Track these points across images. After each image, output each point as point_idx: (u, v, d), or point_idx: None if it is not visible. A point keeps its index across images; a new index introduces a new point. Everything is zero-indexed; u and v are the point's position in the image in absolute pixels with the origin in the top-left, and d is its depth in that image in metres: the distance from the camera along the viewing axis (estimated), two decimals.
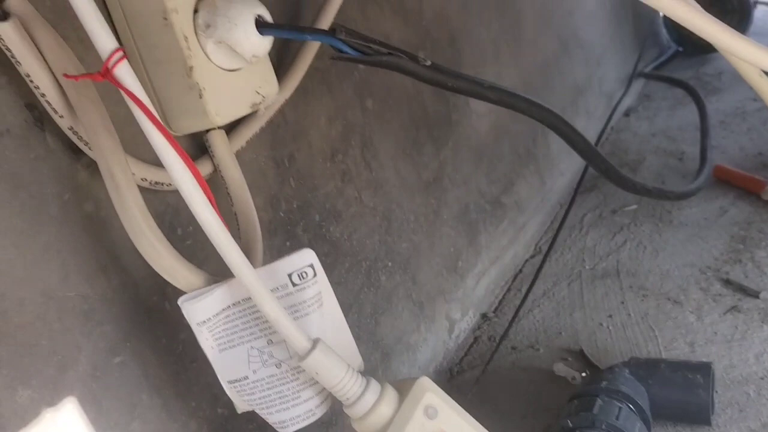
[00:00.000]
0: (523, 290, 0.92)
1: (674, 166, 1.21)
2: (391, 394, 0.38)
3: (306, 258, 0.40)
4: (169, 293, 0.49)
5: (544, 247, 1.04)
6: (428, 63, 0.45)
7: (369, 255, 0.72)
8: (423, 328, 0.79)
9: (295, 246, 0.61)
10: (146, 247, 0.38)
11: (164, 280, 0.49)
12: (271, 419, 0.42)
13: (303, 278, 0.40)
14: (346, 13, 0.68)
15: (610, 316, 0.82)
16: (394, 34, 0.78)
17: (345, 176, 0.69)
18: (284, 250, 0.60)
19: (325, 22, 0.57)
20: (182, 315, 0.51)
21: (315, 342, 0.37)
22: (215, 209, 0.35)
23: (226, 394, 0.54)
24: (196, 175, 0.34)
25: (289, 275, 0.40)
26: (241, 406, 0.44)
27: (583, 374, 0.71)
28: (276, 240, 0.59)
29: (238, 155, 0.53)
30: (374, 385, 0.38)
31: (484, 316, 0.91)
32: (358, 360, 0.43)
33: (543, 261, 0.90)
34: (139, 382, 0.47)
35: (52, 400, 0.41)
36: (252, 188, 0.51)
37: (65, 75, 0.34)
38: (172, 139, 0.33)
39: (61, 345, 0.42)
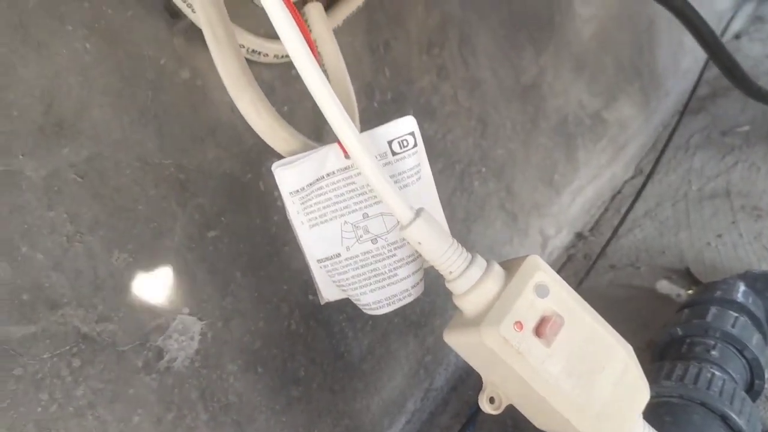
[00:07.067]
0: (622, 211, 0.87)
1: None
2: (497, 270, 0.36)
3: (408, 125, 0.37)
4: (263, 174, 0.48)
5: (645, 169, 0.97)
6: None
7: (463, 158, 0.68)
8: (516, 241, 0.76)
9: None
10: (246, 105, 0.36)
11: (259, 158, 0.48)
12: (364, 300, 0.40)
13: (403, 147, 0.37)
14: None
15: (720, 235, 0.76)
16: None
17: (441, 72, 0.65)
18: None
19: None
20: (277, 197, 0.50)
21: (418, 211, 0.35)
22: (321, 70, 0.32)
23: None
24: (303, 30, 0.31)
25: (389, 143, 0.37)
26: (326, 293, 0.41)
27: (689, 291, 0.66)
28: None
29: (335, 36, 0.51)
30: (480, 260, 0.36)
31: (578, 235, 0.86)
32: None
33: (646, 179, 0.84)
34: (232, 259, 0.46)
35: (147, 265, 0.41)
36: None
37: None
38: None
39: (157, 212, 0.41)
